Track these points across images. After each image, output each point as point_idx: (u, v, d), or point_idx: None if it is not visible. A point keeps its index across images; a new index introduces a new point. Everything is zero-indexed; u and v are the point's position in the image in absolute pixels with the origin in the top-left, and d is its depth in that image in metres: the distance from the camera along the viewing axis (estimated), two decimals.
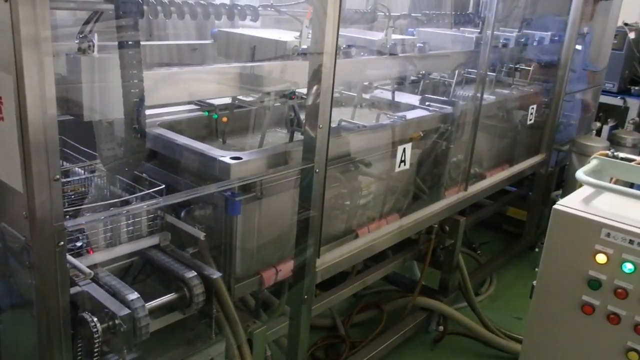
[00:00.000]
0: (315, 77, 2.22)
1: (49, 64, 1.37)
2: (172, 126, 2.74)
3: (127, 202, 2.17)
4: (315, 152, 2.30)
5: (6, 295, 1.89)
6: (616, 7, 5.29)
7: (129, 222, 2.15)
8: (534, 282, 2.39)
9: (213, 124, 2.93)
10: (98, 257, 2.03)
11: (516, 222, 5.36)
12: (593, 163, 2.56)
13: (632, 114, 6.45)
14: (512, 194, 5.17)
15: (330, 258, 2.66)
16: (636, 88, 6.58)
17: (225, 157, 2.22)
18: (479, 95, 3.56)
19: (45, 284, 1.56)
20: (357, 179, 2.99)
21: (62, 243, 1.53)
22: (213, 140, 2.87)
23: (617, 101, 6.36)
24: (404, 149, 2.92)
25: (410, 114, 3.21)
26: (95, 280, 1.92)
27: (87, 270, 1.80)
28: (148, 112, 2.74)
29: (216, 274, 2.10)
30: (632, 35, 6.51)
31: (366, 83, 3.36)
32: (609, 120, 6.23)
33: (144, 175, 2.38)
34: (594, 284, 2.09)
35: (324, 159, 2.35)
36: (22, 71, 1.34)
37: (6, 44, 1.36)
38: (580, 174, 2.37)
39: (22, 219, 1.50)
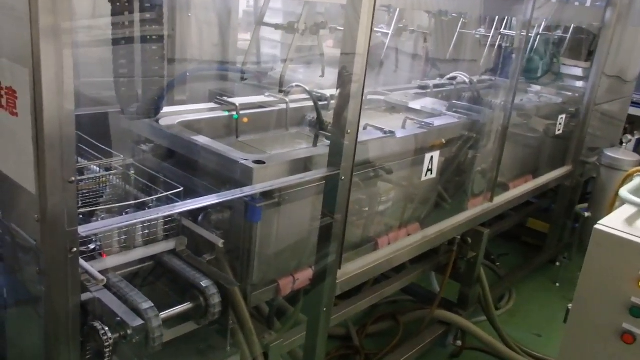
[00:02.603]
0: (345, 79, 2.10)
1: (68, 56, 1.27)
2: (191, 125, 2.64)
3: (144, 204, 2.06)
4: (342, 159, 2.18)
5: (13, 292, 1.80)
6: None
7: (145, 225, 2.05)
8: (569, 306, 2.25)
9: (233, 124, 2.82)
10: (111, 261, 1.93)
11: (536, 233, 5.21)
12: (637, 181, 2.42)
13: None
14: (534, 205, 5.03)
15: (351, 269, 2.55)
16: None
17: (248, 160, 2.11)
18: (508, 101, 3.41)
19: (55, 290, 1.46)
20: (379, 187, 2.88)
21: (75, 249, 1.42)
22: (232, 141, 2.77)
23: None
24: (432, 157, 2.79)
25: (438, 121, 3.08)
26: (107, 285, 1.82)
27: (100, 277, 1.71)
28: (167, 109, 2.66)
29: (234, 284, 1.99)
30: None
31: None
32: (635, 132, 6.06)
33: (161, 176, 2.29)
34: (637, 312, 1.96)
35: (350, 166, 2.24)
36: (40, 64, 1.24)
37: (23, 34, 1.26)
38: (625, 193, 2.24)
39: (33, 221, 1.40)
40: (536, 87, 4.55)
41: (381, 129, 2.72)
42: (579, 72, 4.97)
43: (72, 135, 1.33)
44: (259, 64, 3.42)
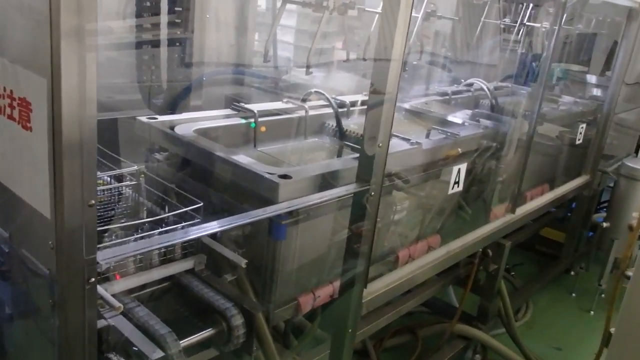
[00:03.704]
0: (379, 86, 1.95)
1: (92, 62, 1.12)
2: (207, 133, 2.49)
3: (161, 220, 1.92)
4: (372, 174, 2.03)
5: (22, 321, 1.65)
6: None
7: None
8: (612, 330, 2.10)
9: (251, 132, 2.67)
10: (126, 283, 1.78)
11: (550, 242, 5.09)
12: None
13: None
14: (550, 214, 4.89)
15: (376, 287, 2.40)
16: None
17: (274, 175, 1.96)
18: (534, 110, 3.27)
19: (70, 323, 1.31)
20: (402, 199, 2.73)
21: (92, 280, 1.27)
22: (250, 150, 2.62)
23: None
24: (459, 170, 2.65)
25: (464, 131, 2.94)
26: (122, 311, 1.67)
27: (117, 304, 1.55)
28: (183, 116, 2.52)
29: (259, 308, 1.84)
30: None
31: None
32: None
33: (176, 188, 2.14)
34: None
35: (380, 180, 2.09)
36: (60, 72, 1.09)
37: (41, 38, 1.10)
38: None
39: (47, 248, 1.24)
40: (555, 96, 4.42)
41: (407, 140, 2.58)
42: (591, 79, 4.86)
43: (94, 153, 1.19)
44: (276, 68, 3.27)
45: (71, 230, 1.20)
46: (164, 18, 1.70)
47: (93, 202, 1.20)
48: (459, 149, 2.76)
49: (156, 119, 2.46)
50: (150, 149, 2.50)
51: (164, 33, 1.66)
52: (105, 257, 1.30)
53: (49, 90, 1.12)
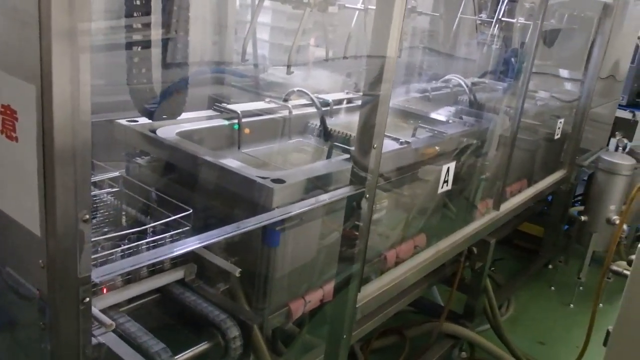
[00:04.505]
0: (374, 84, 1.90)
1: (86, 65, 1.03)
2: (190, 135, 2.40)
3: (147, 229, 1.82)
4: (367, 176, 1.97)
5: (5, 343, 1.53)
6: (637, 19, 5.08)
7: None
8: (610, 328, 2.10)
9: (234, 133, 2.59)
10: (115, 297, 1.68)
11: (528, 237, 5.13)
12: None
13: None
14: (529, 209, 4.92)
15: (370, 291, 2.35)
16: None
17: (267, 179, 1.88)
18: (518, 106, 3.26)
19: (63, 346, 1.22)
20: (389, 199, 2.69)
21: (87, 299, 1.18)
22: (234, 152, 2.54)
23: (626, 114, 6.21)
24: (448, 169, 2.61)
25: (450, 129, 2.91)
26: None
27: (109, 321, 1.46)
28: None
29: (255, 319, 1.77)
30: None
31: None
32: (616, 133, 6.05)
33: (162, 194, 2.05)
34: None
35: (374, 183, 2.04)
36: (51, 78, 0.99)
37: (28, 42, 1.01)
38: None
39: (37, 268, 1.15)
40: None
41: (397, 139, 2.53)
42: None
43: (89, 163, 1.09)
44: (256, 66, 3.18)
45: (64, 247, 1.11)
46: (145, 19, 1.61)
47: (87, 216, 1.11)
48: (447, 147, 2.73)
49: (137, 121, 2.36)
50: (130, 154, 2.39)
51: (146, 34, 1.57)
52: (99, 274, 1.21)
53: (38, 97, 1.03)
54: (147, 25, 1.43)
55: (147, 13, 1.43)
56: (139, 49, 1.48)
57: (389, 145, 2.52)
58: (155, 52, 1.60)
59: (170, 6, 1.45)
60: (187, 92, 1.80)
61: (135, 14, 1.41)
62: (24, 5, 1.00)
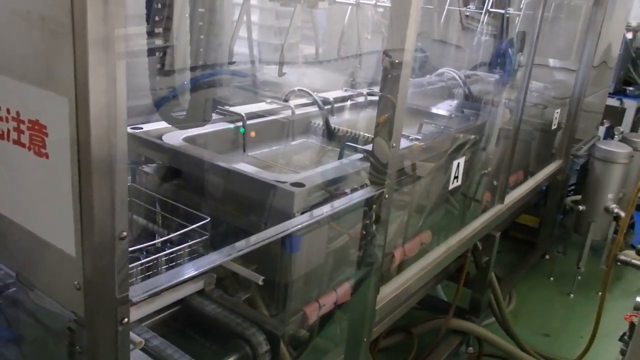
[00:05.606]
0: (391, 83, 1.85)
1: (122, 74, 0.97)
2: (196, 140, 2.34)
3: (169, 241, 1.76)
4: (386, 176, 1.93)
5: None
6: (626, 6, 5.12)
7: (170, 265, 1.75)
8: (635, 320, 2.09)
9: (239, 136, 2.53)
10: (139, 312, 1.62)
11: (524, 228, 5.13)
12: None
13: (629, 115, 6.37)
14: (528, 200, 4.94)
15: (387, 292, 2.32)
16: (630, 89, 6.51)
17: (286, 183, 1.83)
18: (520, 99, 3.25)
19: None
20: (401, 197, 2.65)
21: (126, 320, 1.12)
22: (241, 155, 2.48)
23: (613, 102, 6.26)
24: (458, 164, 2.59)
25: (454, 123, 2.88)
26: None
27: (138, 339, 1.40)
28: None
29: (281, 328, 1.72)
30: (629, 35, 6.40)
31: None
32: (604, 121, 6.10)
33: (176, 203, 1.99)
34: None
35: (393, 182, 2.00)
36: (87, 88, 0.93)
37: (58, 52, 0.95)
38: None
39: (71, 289, 1.09)
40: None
41: (406, 136, 2.49)
42: None
43: (125, 178, 1.03)
44: (252, 64, 3.11)
45: (101, 267, 1.05)
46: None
47: (125, 233, 1.05)
48: (455, 143, 2.71)
49: (141, 128, 2.29)
50: (134, 162, 2.32)
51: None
52: (137, 293, 1.15)
53: (72, 110, 0.97)
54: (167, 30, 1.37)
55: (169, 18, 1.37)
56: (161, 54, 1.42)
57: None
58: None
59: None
60: (215, 94, 1.74)
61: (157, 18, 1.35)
62: (54, 14, 0.94)
